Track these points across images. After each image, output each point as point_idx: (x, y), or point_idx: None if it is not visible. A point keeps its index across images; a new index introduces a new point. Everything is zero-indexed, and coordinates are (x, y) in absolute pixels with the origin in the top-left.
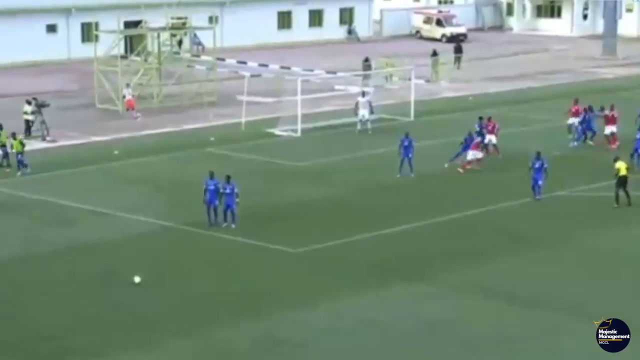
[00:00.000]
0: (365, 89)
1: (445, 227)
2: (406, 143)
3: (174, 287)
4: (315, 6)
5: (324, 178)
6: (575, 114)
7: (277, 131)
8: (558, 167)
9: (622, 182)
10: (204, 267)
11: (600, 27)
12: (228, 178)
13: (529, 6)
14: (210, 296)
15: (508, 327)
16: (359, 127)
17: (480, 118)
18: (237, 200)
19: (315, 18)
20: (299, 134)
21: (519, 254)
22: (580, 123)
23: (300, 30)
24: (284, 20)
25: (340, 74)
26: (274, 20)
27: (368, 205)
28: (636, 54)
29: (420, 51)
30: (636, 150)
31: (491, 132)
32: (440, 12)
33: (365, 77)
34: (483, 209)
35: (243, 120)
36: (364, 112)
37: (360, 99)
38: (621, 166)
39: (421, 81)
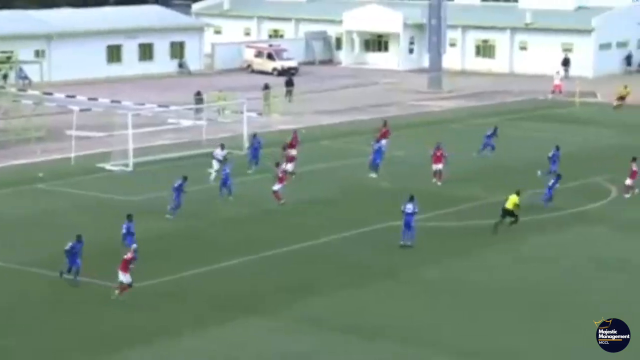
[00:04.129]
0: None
1: (285, 259)
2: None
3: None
4: (146, 40)
5: (158, 212)
6: (438, 159)
7: (108, 166)
8: (385, 198)
9: (504, 213)
10: (35, 308)
11: (426, 61)
12: (129, 217)
13: (357, 40)
14: (45, 338)
15: (353, 358)
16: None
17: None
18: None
19: (146, 52)
20: (130, 168)
21: (360, 286)
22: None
23: (131, 64)
24: (114, 54)
25: (172, 108)
26: (103, 54)
27: (204, 239)
28: (461, 86)
29: (252, 84)
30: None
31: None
32: (271, 46)
33: (198, 110)
34: (321, 241)
35: (73, 155)
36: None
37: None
38: (511, 199)
39: (253, 114)
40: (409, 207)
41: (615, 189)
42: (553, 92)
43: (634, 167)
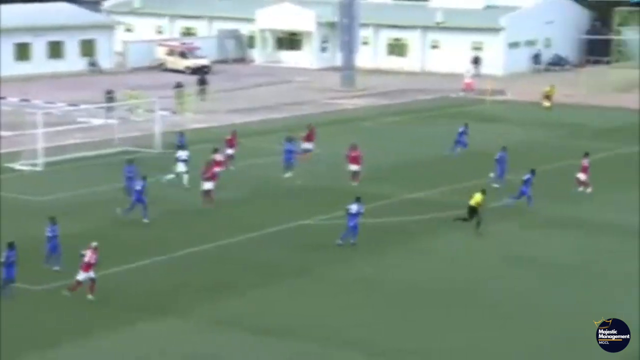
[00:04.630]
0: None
1: (198, 260)
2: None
3: None
4: (55, 38)
5: (69, 213)
6: (354, 160)
7: (17, 165)
8: (299, 196)
9: (470, 210)
10: None
11: (338, 59)
12: (53, 219)
13: (270, 39)
14: None
15: (266, 358)
16: None
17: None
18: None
19: (55, 50)
20: (40, 167)
21: (272, 285)
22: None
23: (40, 62)
24: (22, 52)
25: (83, 107)
26: (10, 52)
27: (115, 239)
28: (373, 85)
29: (165, 83)
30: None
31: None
32: (183, 44)
33: (109, 109)
34: (234, 240)
35: None
36: None
37: None
38: (475, 197)
39: (166, 113)
40: (353, 208)
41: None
42: (464, 90)
43: (585, 163)
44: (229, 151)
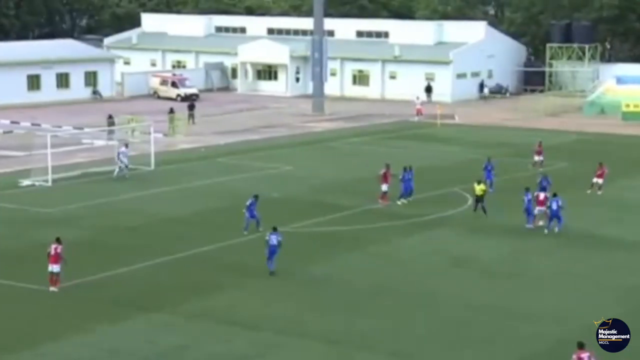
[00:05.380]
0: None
1: (181, 263)
2: None
3: None
4: (62, 70)
5: (73, 222)
6: (385, 178)
7: (28, 181)
8: (275, 207)
9: (478, 199)
10: None
11: (310, 88)
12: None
13: (250, 70)
14: None
15: (238, 347)
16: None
17: None
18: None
19: (63, 80)
20: (49, 183)
21: (242, 285)
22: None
23: (49, 92)
24: (33, 82)
25: (86, 130)
26: (23, 83)
27: (112, 246)
28: (339, 110)
29: (158, 109)
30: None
31: None
32: (174, 75)
33: (110, 132)
34: (213, 246)
35: None
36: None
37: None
38: (478, 188)
39: (160, 135)
40: (273, 239)
41: (471, 198)
42: (416, 115)
43: (599, 170)
44: None
